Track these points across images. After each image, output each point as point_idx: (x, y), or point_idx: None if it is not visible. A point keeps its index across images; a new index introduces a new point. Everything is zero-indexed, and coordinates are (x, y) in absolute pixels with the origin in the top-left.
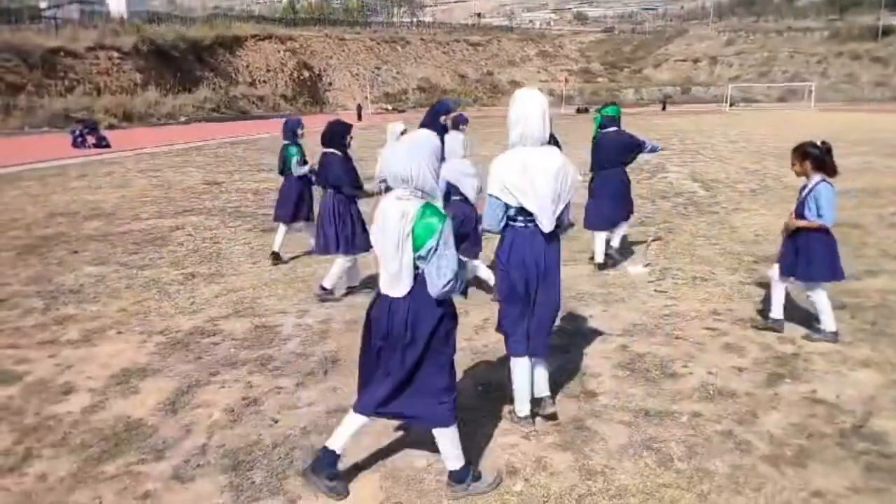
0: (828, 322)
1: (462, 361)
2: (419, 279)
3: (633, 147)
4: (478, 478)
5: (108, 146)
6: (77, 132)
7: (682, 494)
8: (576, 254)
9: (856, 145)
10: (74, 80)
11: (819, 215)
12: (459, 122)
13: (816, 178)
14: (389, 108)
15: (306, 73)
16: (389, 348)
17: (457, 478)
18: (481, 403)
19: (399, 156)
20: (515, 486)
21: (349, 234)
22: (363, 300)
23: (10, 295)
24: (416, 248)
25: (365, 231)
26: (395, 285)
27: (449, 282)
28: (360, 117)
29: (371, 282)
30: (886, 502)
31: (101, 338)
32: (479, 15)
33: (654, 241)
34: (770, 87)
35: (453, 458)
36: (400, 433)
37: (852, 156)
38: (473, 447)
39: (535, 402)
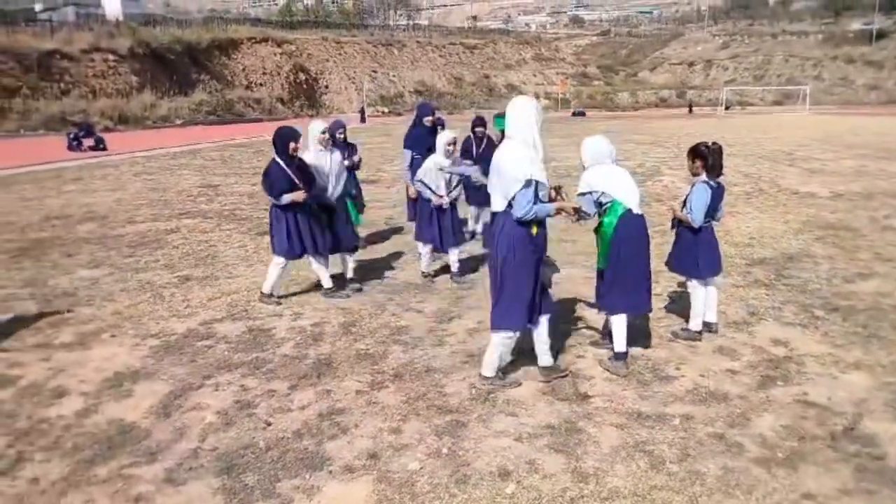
0: (693, 321)
1: (454, 364)
2: None
3: None
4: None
5: (104, 149)
6: (72, 135)
7: (674, 497)
8: (571, 256)
9: (850, 148)
10: (70, 82)
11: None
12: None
13: (701, 178)
14: (386, 110)
15: (303, 76)
16: (647, 252)
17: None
18: (473, 406)
19: (604, 143)
20: (507, 488)
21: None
22: (351, 304)
23: (4, 298)
24: None
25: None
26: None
27: None
28: (363, 119)
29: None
30: None
31: (94, 341)
32: (474, 18)
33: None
34: (765, 90)
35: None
36: (393, 436)
37: (847, 159)
38: (466, 449)
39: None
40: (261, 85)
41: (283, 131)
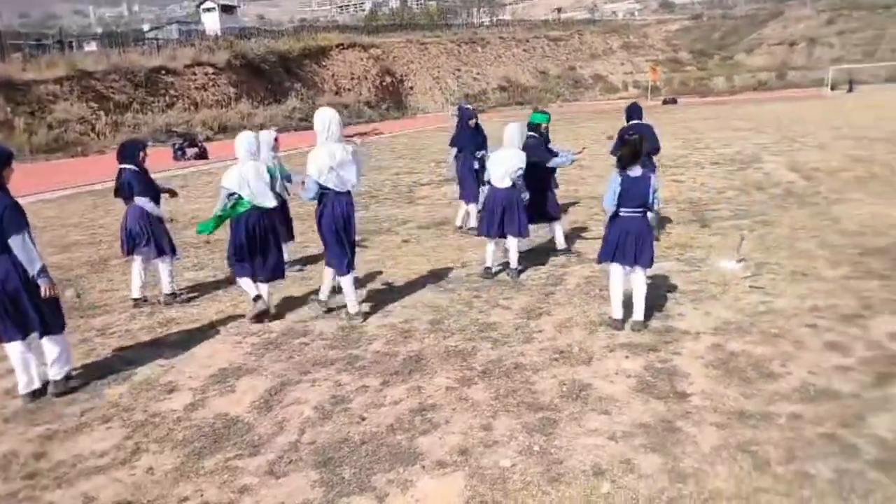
0: None
1: (543, 361)
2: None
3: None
4: None
5: (206, 157)
6: (177, 146)
7: (781, 500)
8: (665, 249)
9: None
10: (174, 96)
11: None
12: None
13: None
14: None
15: (388, 79)
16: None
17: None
18: (564, 404)
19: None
20: (602, 488)
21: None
22: (443, 301)
23: (121, 299)
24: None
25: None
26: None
27: None
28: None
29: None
30: None
31: (201, 339)
32: (558, 10)
33: (743, 240)
34: (878, 66)
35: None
36: (484, 433)
37: None
38: (558, 447)
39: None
40: (349, 90)
41: (131, 143)
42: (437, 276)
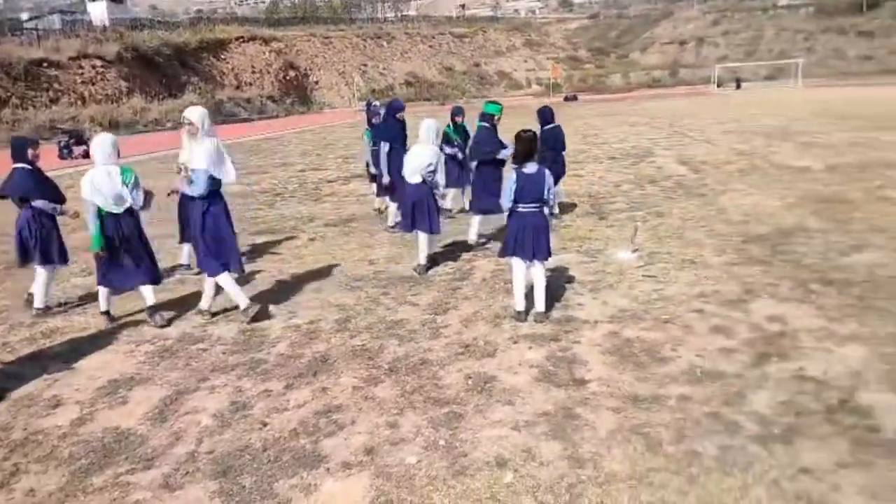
0: None
1: (449, 356)
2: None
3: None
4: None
5: None
6: (62, 143)
7: (672, 478)
8: (566, 241)
9: (843, 120)
10: (59, 90)
11: None
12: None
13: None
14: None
15: (292, 73)
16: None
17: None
18: (469, 397)
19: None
20: (505, 478)
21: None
22: (350, 299)
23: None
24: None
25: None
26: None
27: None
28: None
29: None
30: (874, 476)
31: (89, 349)
32: (462, 6)
33: (636, 231)
34: (758, 65)
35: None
36: (389, 430)
37: (841, 131)
38: (463, 440)
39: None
40: (250, 84)
41: (20, 140)
42: (344, 274)
